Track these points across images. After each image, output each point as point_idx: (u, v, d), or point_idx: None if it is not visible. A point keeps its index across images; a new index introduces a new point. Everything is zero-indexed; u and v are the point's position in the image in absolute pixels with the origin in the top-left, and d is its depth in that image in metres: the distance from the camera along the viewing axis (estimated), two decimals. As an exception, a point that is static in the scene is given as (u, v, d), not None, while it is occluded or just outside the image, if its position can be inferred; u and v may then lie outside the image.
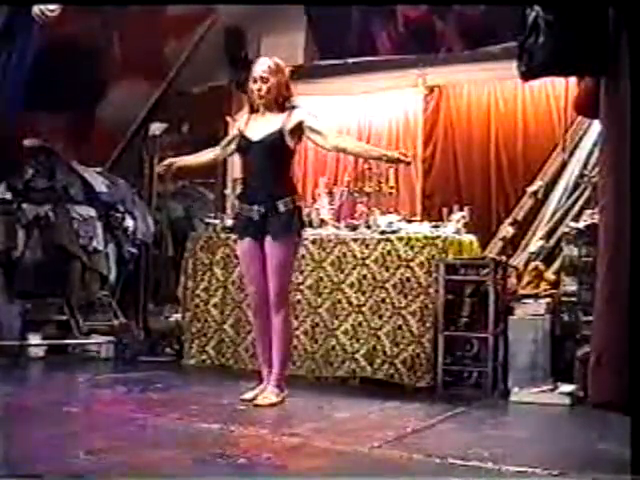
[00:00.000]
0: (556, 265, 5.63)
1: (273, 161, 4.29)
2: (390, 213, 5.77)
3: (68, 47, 6.54)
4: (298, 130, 4.31)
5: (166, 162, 4.63)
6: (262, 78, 4.31)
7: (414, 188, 6.92)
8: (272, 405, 4.19)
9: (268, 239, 4.25)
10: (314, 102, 6.29)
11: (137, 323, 7.00)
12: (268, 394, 4.26)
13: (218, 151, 4.70)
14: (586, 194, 5.92)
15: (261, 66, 4.35)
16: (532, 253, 5.95)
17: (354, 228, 5.63)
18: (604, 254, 2.83)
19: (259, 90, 4.32)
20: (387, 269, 5.26)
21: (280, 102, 4.35)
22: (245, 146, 4.37)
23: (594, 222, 4.72)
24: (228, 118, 7.72)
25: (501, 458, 3.11)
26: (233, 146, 4.51)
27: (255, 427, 3.59)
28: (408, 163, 4.54)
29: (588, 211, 5.40)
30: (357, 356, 5.30)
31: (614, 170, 2.79)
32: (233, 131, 4.63)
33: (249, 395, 4.34)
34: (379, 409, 4.35)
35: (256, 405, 4.18)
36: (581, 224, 5.25)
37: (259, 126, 4.34)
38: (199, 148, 4.93)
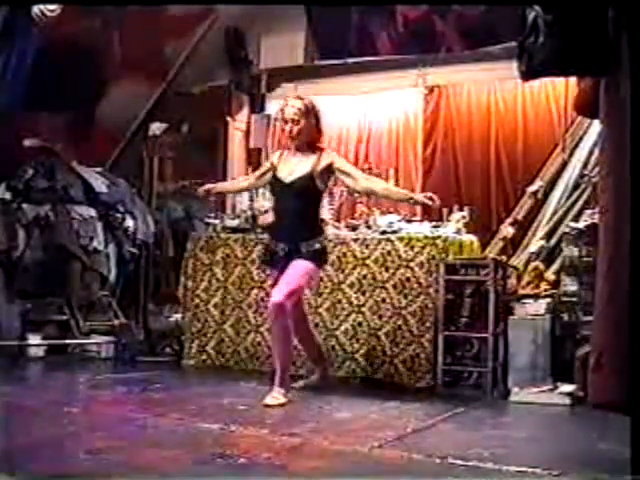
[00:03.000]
0: (556, 265, 5.63)
1: (302, 203, 4.45)
2: (390, 213, 5.77)
3: (68, 47, 6.53)
4: (327, 172, 4.48)
5: (206, 187, 4.97)
6: (293, 120, 4.44)
7: (414, 188, 6.92)
8: (281, 405, 4.22)
9: (291, 263, 4.42)
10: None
11: (137, 323, 7.00)
12: (277, 395, 4.29)
13: (252, 181, 5.00)
14: (586, 194, 5.93)
15: (292, 108, 4.46)
16: (532, 253, 5.95)
17: (354, 228, 5.63)
18: (604, 254, 2.83)
19: (290, 132, 4.47)
20: (387, 269, 5.26)
21: (311, 143, 4.50)
22: (277, 187, 4.57)
23: (594, 222, 4.72)
24: (228, 118, 7.73)
25: (501, 458, 3.11)
26: (266, 178, 4.71)
27: (255, 427, 3.59)
28: (431, 206, 4.58)
29: (588, 211, 5.40)
30: (357, 356, 5.30)
31: (614, 170, 2.79)
32: (266, 164, 4.88)
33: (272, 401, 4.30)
34: (379, 409, 4.35)
35: (266, 405, 4.20)
36: (581, 224, 5.25)
37: (290, 167, 4.51)
38: (199, 148, 5.01)
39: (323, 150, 4.54)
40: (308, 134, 4.48)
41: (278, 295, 4.30)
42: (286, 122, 4.47)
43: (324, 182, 4.51)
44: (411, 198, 4.70)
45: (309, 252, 4.41)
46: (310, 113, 4.47)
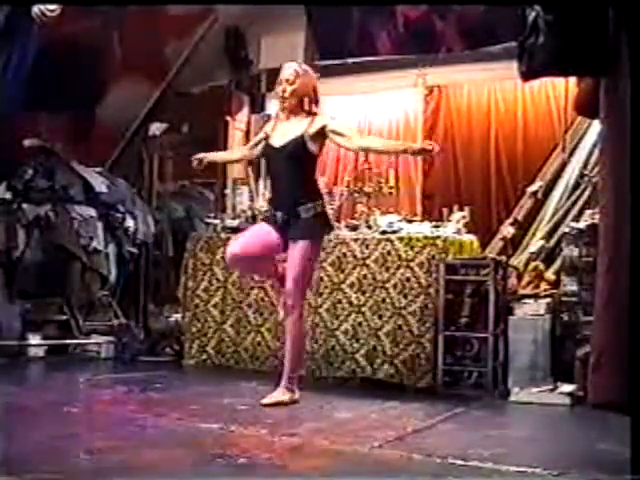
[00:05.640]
0: (556, 265, 5.62)
1: (295, 167, 4.33)
2: (390, 213, 5.77)
3: (68, 47, 6.54)
4: (321, 135, 4.36)
5: (199, 156, 4.77)
6: (287, 80, 4.37)
7: (414, 188, 6.92)
8: (278, 404, 4.18)
9: (290, 243, 4.29)
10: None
11: (137, 323, 7.01)
12: (277, 393, 4.26)
13: (245, 151, 4.97)
14: (586, 194, 5.92)
15: (287, 70, 4.41)
16: (532, 253, 5.94)
17: (354, 228, 5.63)
18: (604, 254, 2.83)
19: (284, 91, 4.37)
20: (387, 269, 5.26)
21: (306, 107, 4.39)
22: (268, 152, 4.48)
23: (594, 222, 4.72)
24: (228, 118, 7.73)
25: (501, 458, 3.11)
26: (259, 149, 4.62)
27: (255, 427, 3.59)
28: (431, 151, 4.31)
29: (588, 211, 5.40)
30: (357, 356, 5.30)
31: (614, 170, 2.79)
32: (260, 134, 4.71)
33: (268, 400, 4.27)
34: (379, 409, 4.34)
35: (262, 405, 4.16)
36: (581, 224, 5.25)
37: (282, 132, 4.41)
38: (199, 148, 4.99)
39: (317, 114, 4.41)
40: (303, 94, 4.37)
41: (286, 297, 4.26)
42: (280, 83, 4.40)
43: (317, 145, 4.35)
44: (409, 147, 4.52)
45: (309, 218, 4.27)
46: (305, 76, 4.39)
